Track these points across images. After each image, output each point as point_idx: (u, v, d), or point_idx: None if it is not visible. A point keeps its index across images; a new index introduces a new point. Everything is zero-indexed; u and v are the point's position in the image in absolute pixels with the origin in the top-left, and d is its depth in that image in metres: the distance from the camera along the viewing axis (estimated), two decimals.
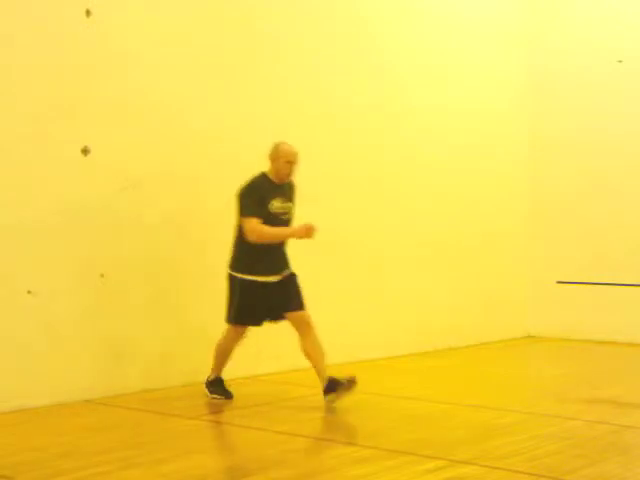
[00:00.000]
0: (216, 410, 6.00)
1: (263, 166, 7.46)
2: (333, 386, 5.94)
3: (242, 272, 6.12)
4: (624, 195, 9.71)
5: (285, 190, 6.25)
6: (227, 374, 7.07)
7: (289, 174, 6.22)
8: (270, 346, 7.42)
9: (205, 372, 6.93)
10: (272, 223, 6.08)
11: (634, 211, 9.63)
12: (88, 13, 6.28)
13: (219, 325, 7.09)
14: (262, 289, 6.10)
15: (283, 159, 6.16)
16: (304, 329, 6.08)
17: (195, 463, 4.60)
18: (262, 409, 6.05)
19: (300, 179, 7.86)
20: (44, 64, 6.07)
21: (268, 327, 7.44)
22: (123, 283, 6.48)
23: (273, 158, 6.21)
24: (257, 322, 6.26)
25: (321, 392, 5.98)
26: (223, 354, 6.37)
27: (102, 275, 6.36)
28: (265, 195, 6.09)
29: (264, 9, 7.56)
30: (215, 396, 6.32)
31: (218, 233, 7.12)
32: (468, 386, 7.14)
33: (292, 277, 6.21)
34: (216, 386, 6.37)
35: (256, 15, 7.48)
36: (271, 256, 6.16)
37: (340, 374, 6.00)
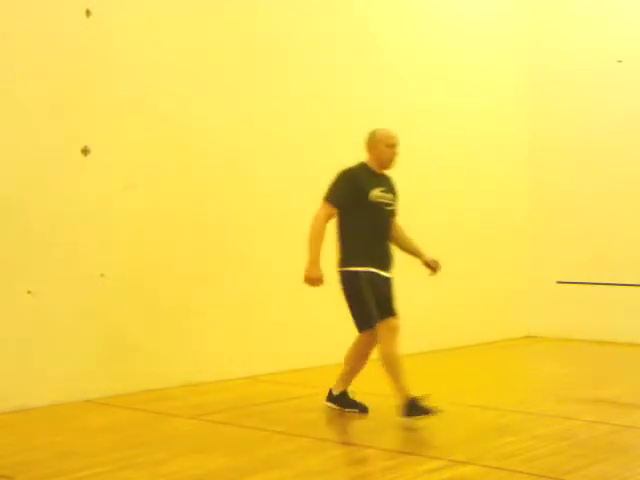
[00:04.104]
0: (216, 410, 5.99)
1: (263, 166, 7.49)
2: (342, 401, 5.82)
3: (360, 265, 5.60)
4: (624, 195, 9.71)
5: (385, 181, 5.81)
6: (226, 374, 7.07)
7: (392, 159, 5.77)
8: (270, 346, 7.42)
9: (205, 372, 6.94)
10: (373, 213, 5.64)
11: (634, 211, 9.63)
12: (88, 13, 6.28)
13: (220, 325, 7.11)
14: (382, 284, 5.64)
15: (383, 143, 5.74)
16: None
17: (195, 463, 4.60)
18: (262, 409, 6.04)
19: (300, 179, 7.88)
20: (44, 64, 6.07)
21: (266, 327, 7.47)
22: (123, 283, 6.48)
23: (371, 145, 5.78)
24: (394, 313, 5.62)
25: (327, 395, 5.93)
26: (397, 364, 5.57)
27: (102, 275, 6.35)
28: (363, 183, 5.64)
29: (264, 9, 7.56)
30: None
31: (218, 233, 7.14)
32: (468, 386, 7.13)
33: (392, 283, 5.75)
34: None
35: (256, 15, 7.49)
36: (377, 249, 5.71)
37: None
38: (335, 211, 5.67)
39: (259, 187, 7.44)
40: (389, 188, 5.82)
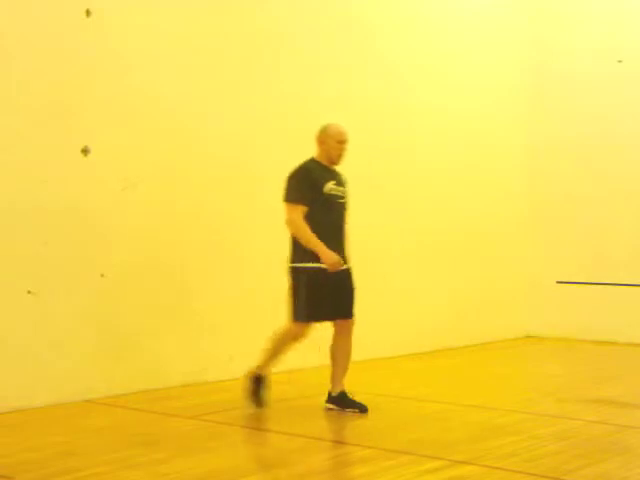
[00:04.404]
0: (216, 410, 5.99)
1: (263, 165, 7.49)
2: (341, 402, 5.91)
3: (306, 261, 5.75)
4: (624, 195, 9.71)
5: (335, 175, 5.96)
6: (226, 374, 7.07)
7: (341, 155, 5.93)
8: None
9: (205, 372, 6.94)
10: (328, 206, 5.80)
11: (634, 211, 9.63)
12: (88, 13, 6.28)
13: (220, 324, 7.11)
14: (329, 279, 5.74)
15: (334, 139, 5.88)
16: (346, 334, 5.99)
17: (195, 463, 4.60)
18: (262, 409, 6.04)
19: None
20: (44, 64, 6.07)
21: (266, 327, 7.45)
22: (123, 283, 6.48)
23: (322, 140, 5.92)
24: (327, 317, 5.89)
25: (327, 397, 5.98)
26: (278, 352, 5.93)
27: (102, 275, 6.35)
28: (317, 177, 5.81)
29: (264, 10, 7.56)
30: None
31: (218, 233, 7.14)
32: (468, 386, 7.14)
33: (350, 275, 5.97)
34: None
35: (256, 15, 7.49)
36: (333, 243, 5.79)
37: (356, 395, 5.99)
38: (306, 208, 5.76)
39: (260, 187, 7.43)
40: (340, 182, 5.98)
